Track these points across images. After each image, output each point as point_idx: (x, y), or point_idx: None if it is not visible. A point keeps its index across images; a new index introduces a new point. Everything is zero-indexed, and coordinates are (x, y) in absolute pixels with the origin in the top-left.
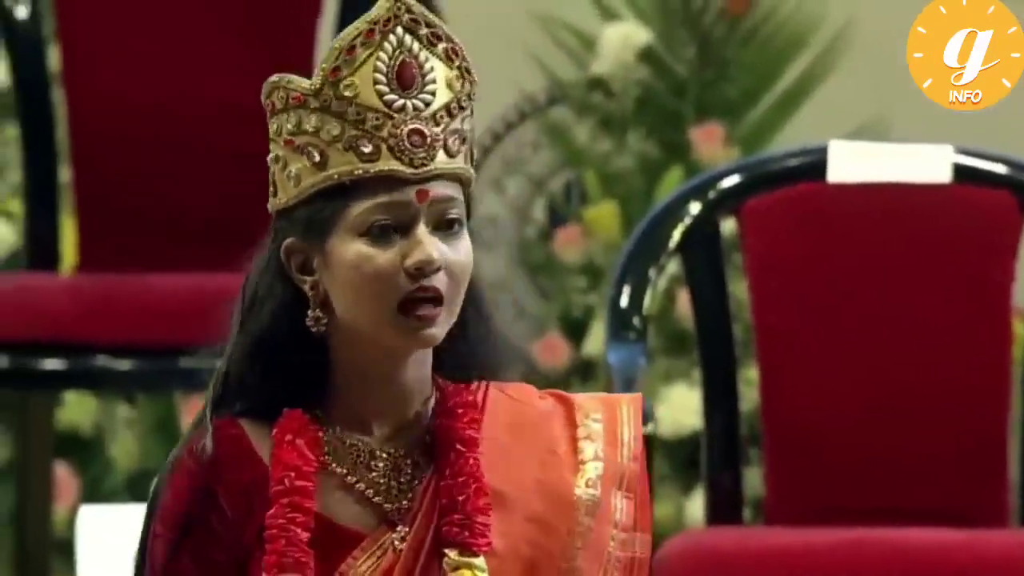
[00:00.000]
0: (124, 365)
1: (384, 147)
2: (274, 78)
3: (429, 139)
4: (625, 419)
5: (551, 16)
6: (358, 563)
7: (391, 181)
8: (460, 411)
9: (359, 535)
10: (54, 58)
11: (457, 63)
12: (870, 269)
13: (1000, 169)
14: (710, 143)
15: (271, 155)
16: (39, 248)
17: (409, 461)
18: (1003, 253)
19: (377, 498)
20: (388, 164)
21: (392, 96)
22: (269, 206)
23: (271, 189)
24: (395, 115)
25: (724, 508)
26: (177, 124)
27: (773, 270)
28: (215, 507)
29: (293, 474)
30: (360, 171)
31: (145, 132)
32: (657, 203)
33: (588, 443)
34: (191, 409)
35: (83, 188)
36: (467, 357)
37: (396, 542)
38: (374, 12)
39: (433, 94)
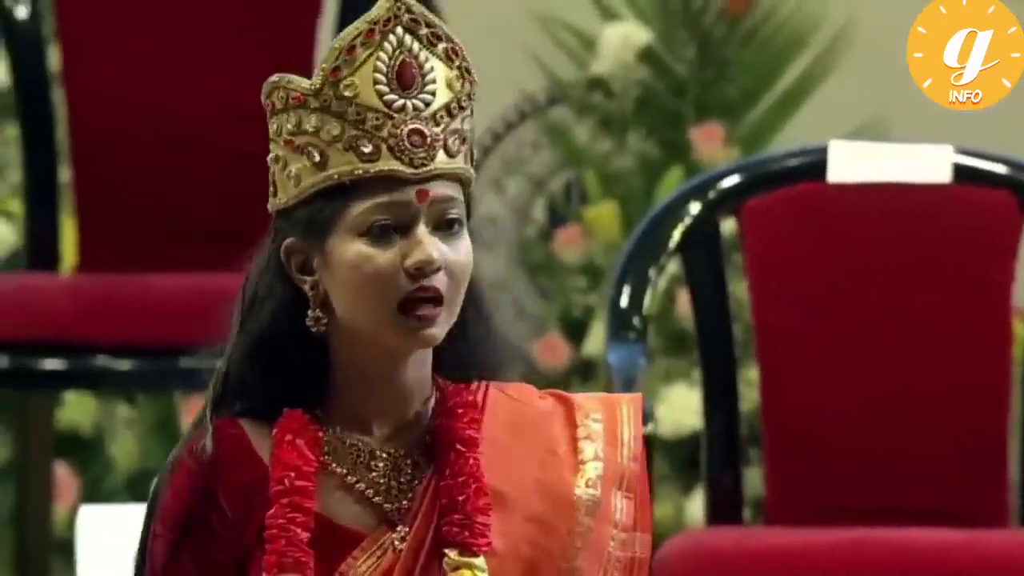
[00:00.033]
0: (124, 365)
1: (384, 147)
2: (274, 78)
3: (429, 139)
4: (625, 419)
5: (551, 16)
6: (358, 563)
7: (391, 181)
8: (460, 411)
9: (359, 535)
10: (54, 58)
11: (457, 63)
12: (870, 269)
13: (1000, 169)
14: (710, 143)
15: (271, 155)
16: (39, 248)
17: (409, 461)
18: (1003, 253)
19: (377, 498)
20: (388, 164)
21: (392, 96)
22: (269, 206)
23: (271, 189)
24: (395, 115)
25: (724, 508)
26: (177, 124)
27: (773, 270)
28: (215, 507)
29: (293, 474)
30: (360, 171)
31: (145, 132)
32: (657, 203)
33: (588, 443)
34: (191, 409)
35: (83, 188)
36: (467, 357)
37: (396, 542)
38: (374, 12)
39: (433, 94)
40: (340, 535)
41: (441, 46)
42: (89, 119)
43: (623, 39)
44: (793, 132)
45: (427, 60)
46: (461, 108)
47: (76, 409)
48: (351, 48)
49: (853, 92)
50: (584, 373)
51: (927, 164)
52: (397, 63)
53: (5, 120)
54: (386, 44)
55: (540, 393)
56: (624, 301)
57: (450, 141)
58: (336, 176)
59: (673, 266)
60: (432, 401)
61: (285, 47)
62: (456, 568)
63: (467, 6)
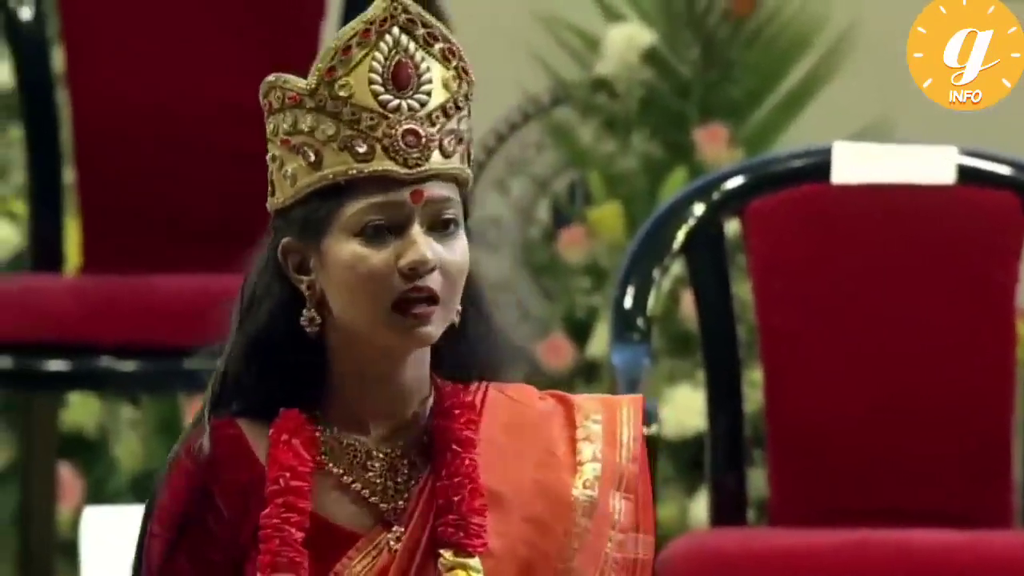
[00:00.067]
0: (128, 366)
1: (379, 147)
2: (271, 78)
3: (424, 139)
4: (625, 420)
5: (555, 17)
6: (353, 563)
7: (386, 181)
8: (457, 412)
9: (355, 535)
10: (58, 59)
11: (454, 63)
12: (874, 270)
13: (1004, 170)
14: (714, 144)
15: (269, 155)
16: (43, 249)
17: (406, 461)
18: (1007, 254)
19: (373, 498)
20: (382, 164)
21: (387, 96)
22: (268, 205)
23: (269, 188)
24: (390, 115)
25: (728, 509)
26: (181, 125)
27: (777, 271)
28: (211, 507)
29: (288, 474)
30: (354, 171)
31: (149, 133)
32: (661, 204)
33: (587, 444)
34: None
35: (87, 189)
36: (467, 357)
37: (392, 542)
38: (370, 12)
39: (429, 94)
40: (336, 535)
41: (438, 46)
42: (93, 120)
43: (627, 40)
44: (797, 133)
45: (423, 60)
46: (458, 108)
47: (80, 410)
48: (347, 48)
49: (857, 93)
50: (588, 374)
51: (931, 165)
52: (393, 63)
53: (9, 121)
54: (382, 44)
55: (540, 394)
56: (628, 302)
57: (446, 141)
58: (331, 176)
59: (677, 267)
60: (430, 402)
61: (288, 48)
62: (451, 569)
63: (471, 7)
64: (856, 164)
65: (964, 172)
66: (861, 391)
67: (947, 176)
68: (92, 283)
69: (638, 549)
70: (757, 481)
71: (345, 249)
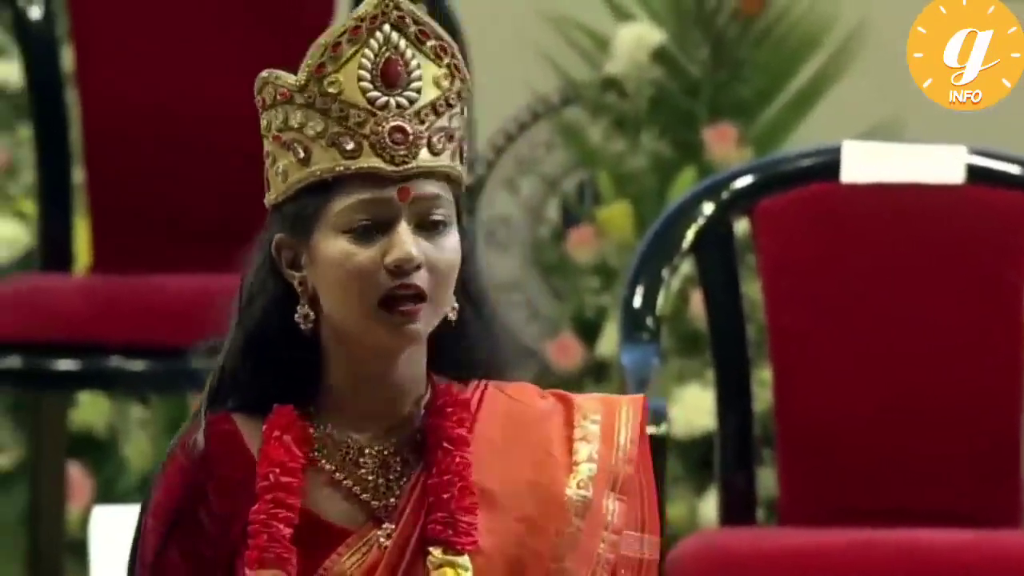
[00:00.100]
0: (137, 366)
1: (366, 144)
2: (264, 74)
3: (412, 136)
4: (623, 421)
5: (564, 17)
6: (343, 559)
7: (373, 178)
8: (449, 410)
9: (345, 531)
10: (67, 59)
11: (447, 61)
12: (883, 270)
13: (1014, 170)
14: (723, 143)
15: (264, 151)
16: (52, 249)
17: (398, 459)
18: (1016, 254)
19: (365, 495)
20: (369, 161)
21: (376, 93)
22: (264, 201)
23: (265, 184)
24: (378, 112)
25: (737, 508)
26: (191, 125)
27: (786, 271)
28: (204, 502)
29: (278, 470)
30: (342, 168)
31: (159, 133)
32: (670, 203)
33: (583, 444)
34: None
35: (96, 189)
36: (467, 356)
37: (382, 539)
38: (361, 9)
39: (418, 91)
40: (326, 531)
41: (430, 43)
42: (102, 120)
43: (636, 39)
44: (806, 132)
45: (414, 57)
46: (449, 106)
47: (90, 410)
48: (337, 44)
49: (866, 93)
50: (597, 374)
51: (940, 165)
52: (383, 60)
53: (19, 121)
54: (372, 41)
55: (542, 393)
56: (637, 301)
57: (435, 139)
58: (319, 172)
59: (686, 266)
60: (425, 400)
61: (297, 50)
62: (439, 566)
63: (480, 7)
64: (865, 163)
65: (973, 172)
66: (871, 391)
67: (956, 176)
68: (101, 283)
69: (644, 549)
70: (766, 480)
71: (333, 246)
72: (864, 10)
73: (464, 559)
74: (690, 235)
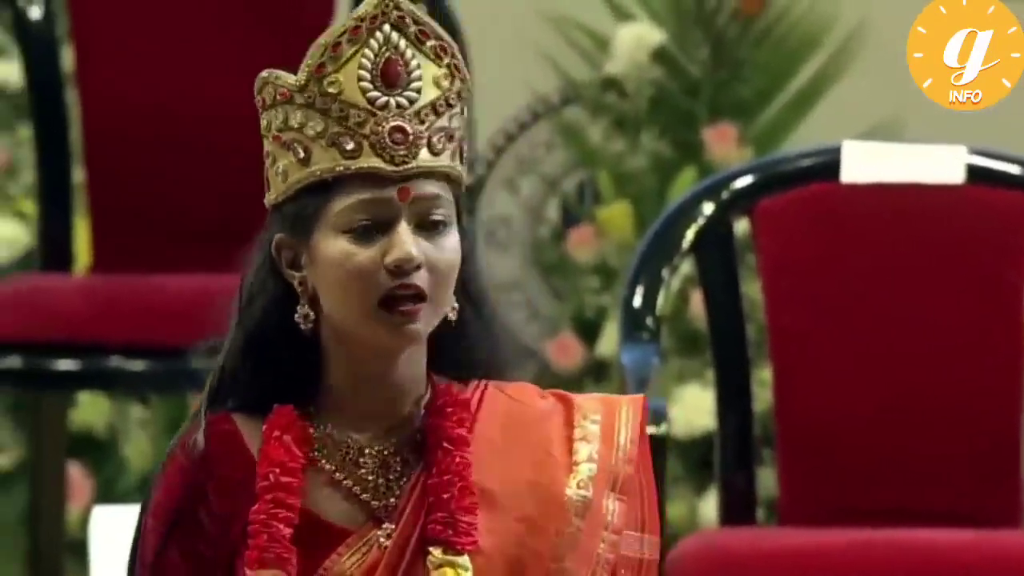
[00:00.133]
0: (137, 366)
1: (366, 144)
2: (264, 73)
3: (411, 136)
4: (623, 422)
5: (564, 17)
6: (343, 559)
7: (373, 178)
8: (449, 410)
9: (345, 532)
10: (67, 59)
11: (447, 61)
12: (883, 270)
13: (1014, 170)
14: (723, 143)
15: (264, 151)
16: (52, 249)
17: (398, 459)
18: (1017, 254)
19: (365, 495)
20: (369, 161)
21: (376, 93)
22: (264, 201)
23: (265, 184)
24: (378, 112)
25: (737, 508)
26: (191, 125)
27: (786, 271)
28: (204, 502)
29: (278, 470)
30: (341, 168)
31: (159, 133)
32: (670, 203)
33: (583, 444)
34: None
35: (96, 189)
36: (467, 356)
37: (382, 539)
38: (361, 9)
39: (418, 91)
40: (326, 531)
41: (430, 43)
42: (102, 120)
43: (636, 39)
44: (806, 132)
45: (414, 57)
46: (449, 106)
47: (90, 410)
48: (336, 45)
49: (866, 92)
50: (597, 373)
51: (941, 165)
52: (383, 60)
53: (19, 121)
54: (372, 41)
55: (542, 393)
56: (637, 301)
57: (435, 139)
58: (319, 172)
59: (686, 266)
60: (425, 400)
61: (299, 50)
62: (439, 566)
63: (480, 7)
64: (865, 163)
65: (973, 172)
66: (870, 390)
67: (956, 176)
68: (101, 283)
69: (644, 549)
70: (766, 480)
71: (333, 246)
72: (864, 10)
73: (464, 559)
74: (690, 235)
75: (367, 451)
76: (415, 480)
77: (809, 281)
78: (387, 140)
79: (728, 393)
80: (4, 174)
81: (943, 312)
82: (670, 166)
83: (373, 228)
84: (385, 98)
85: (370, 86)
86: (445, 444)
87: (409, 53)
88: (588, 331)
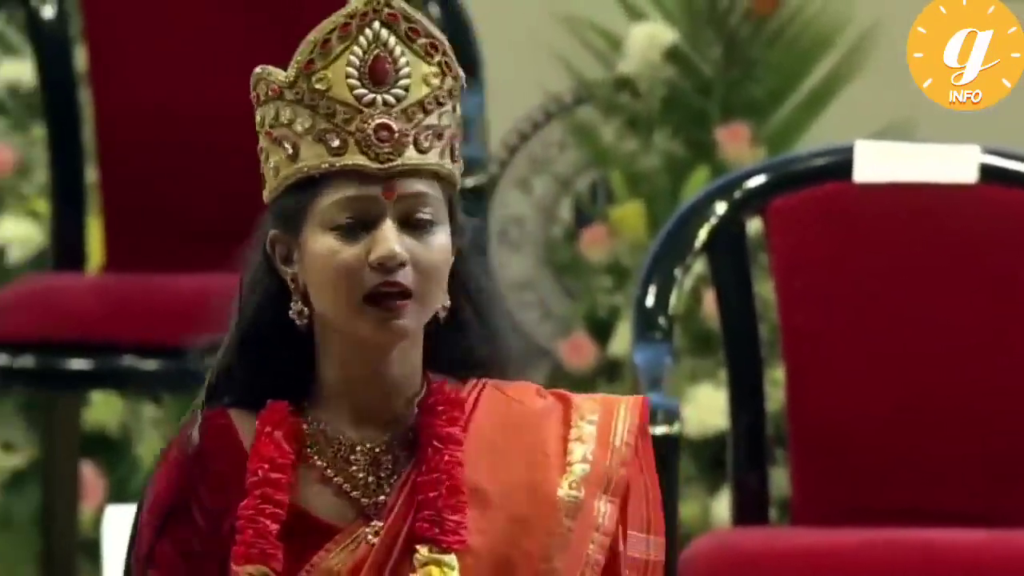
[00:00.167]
0: (150, 365)
1: (351, 141)
2: (258, 69)
3: (397, 134)
4: (620, 422)
5: (577, 16)
6: (331, 556)
7: (358, 175)
8: (440, 408)
9: (334, 528)
10: (80, 58)
11: (438, 58)
12: (897, 269)
13: None
14: (736, 143)
15: (259, 146)
16: (65, 248)
17: (390, 456)
18: None
19: (354, 492)
20: (354, 159)
21: (363, 90)
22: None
23: (262, 180)
24: (364, 109)
25: (750, 508)
26: (203, 125)
27: (799, 270)
28: (197, 497)
29: (267, 466)
30: (327, 165)
31: (172, 132)
32: (683, 203)
33: (578, 444)
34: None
35: (109, 188)
36: (466, 355)
37: (370, 536)
38: (351, 6)
39: (406, 89)
40: (315, 527)
41: (420, 41)
42: (115, 119)
43: (649, 39)
44: (819, 132)
45: (403, 55)
46: (439, 104)
47: (102, 409)
48: (326, 41)
49: (879, 92)
50: (610, 373)
51: (954, 164)
52: (371, 58)
53: (32, 120)
54: (361, 38)
55: (541, 392)
56: (650, 301)
57: (421, 137)
58: (306, 169)
59: (699, 266)
60: (420, 398)
61: None
62: (425, 564)
63: (493, 8)
64: (878, 163)
65: (987, 171)
66: (884, 390)
67: (970, 175)
68: (114, 282)
69: (649, 550)
70: (779, 480)
71: (320, 242)
72: (877, 10)
73: (450, 557)
74: (703, 234)
75: (359, 448)
76: (405, 478)
77: (822, 281)
78: (372, 137)
79: (741, 393)
80: (17, 174)
81: (957, 312)
82: (683, 166)
83: (359, 225)
84: (372, 95)
85: (358, 83)
86: (435, 442)
87: (398, 50)
88: (601, 331)
